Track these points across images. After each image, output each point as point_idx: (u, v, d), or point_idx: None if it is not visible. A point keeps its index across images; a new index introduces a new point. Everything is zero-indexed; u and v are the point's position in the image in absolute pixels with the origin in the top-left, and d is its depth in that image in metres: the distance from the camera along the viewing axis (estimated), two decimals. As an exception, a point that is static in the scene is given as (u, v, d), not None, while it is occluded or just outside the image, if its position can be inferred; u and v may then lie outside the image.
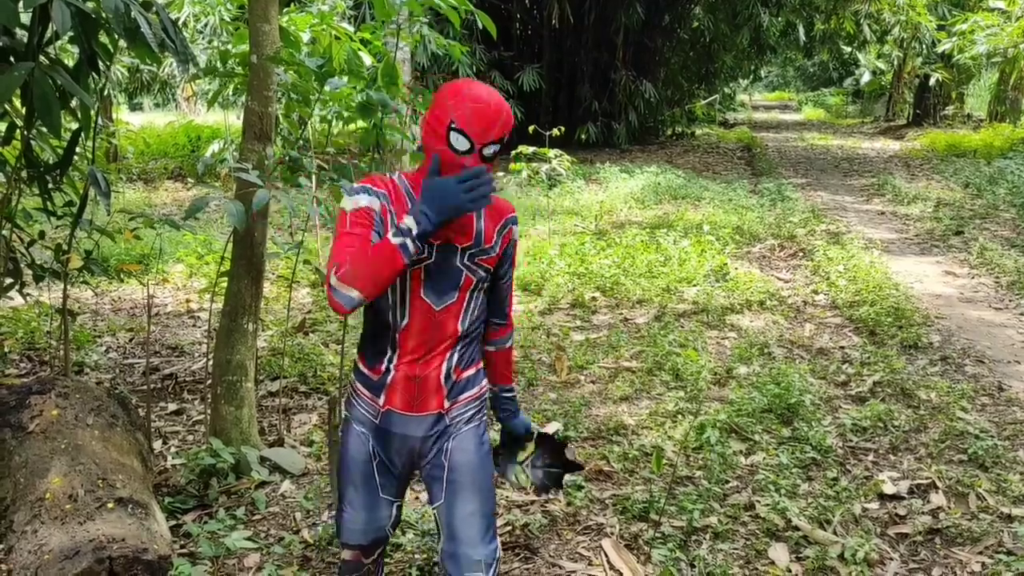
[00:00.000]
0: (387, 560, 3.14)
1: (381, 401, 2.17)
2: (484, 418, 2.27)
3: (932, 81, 21.77)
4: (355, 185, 2.12)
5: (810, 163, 16.81)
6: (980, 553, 3.31)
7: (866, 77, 27.61)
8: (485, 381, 2.29)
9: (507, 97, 15.96)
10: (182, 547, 3.20)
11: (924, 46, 21.77)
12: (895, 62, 24.92)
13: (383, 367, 2.16)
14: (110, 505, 2.65)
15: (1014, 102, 20.00)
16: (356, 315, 2.72)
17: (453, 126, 1.98)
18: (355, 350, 2.29)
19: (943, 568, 3.24)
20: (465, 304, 2.15)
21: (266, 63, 3.59)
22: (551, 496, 3.59)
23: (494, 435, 2.71)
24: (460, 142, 1.98)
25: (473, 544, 2.16)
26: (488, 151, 2.02)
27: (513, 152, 9.10)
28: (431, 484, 2.22)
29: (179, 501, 3.52)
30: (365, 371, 2.20)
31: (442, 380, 2.15)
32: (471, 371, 2.23)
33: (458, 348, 2.17)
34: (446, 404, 2.17)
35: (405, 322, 2.12)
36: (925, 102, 23.14)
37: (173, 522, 3.33)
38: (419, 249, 1.98)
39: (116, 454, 2.95)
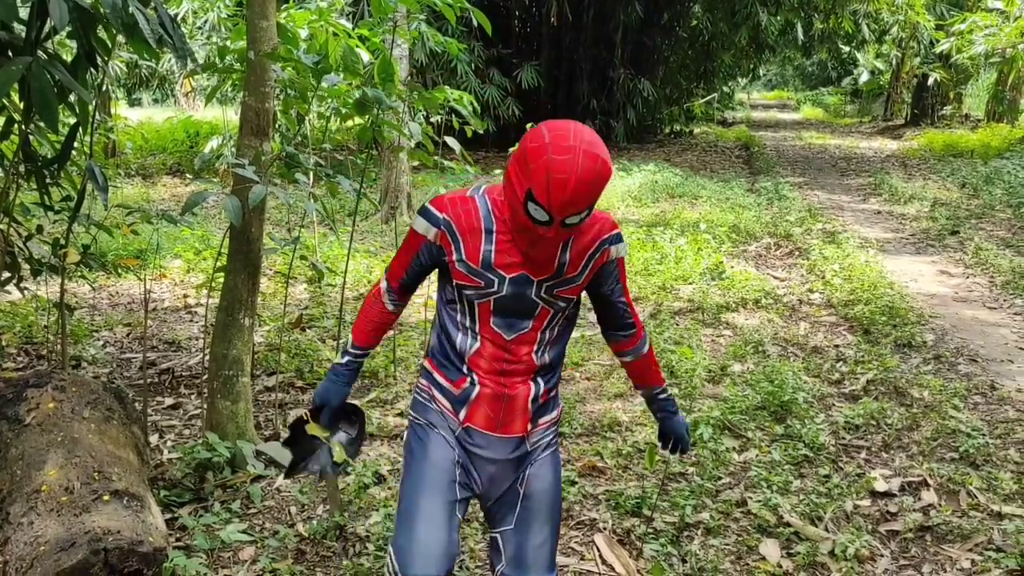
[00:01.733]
0: None
1: (462, 416, 2.03)
2: (558, 442, 2.18)
3: (930, 81, 21.77)
4: (424, 204, 2.01)
5: (808, 162, 16.84)
6: (970, 550, 3.34)
7: (864, 77, 27.61)
8: (561, 403, 2.19)
9: (505, 95, 15.96)
10: (177, 540, 3.22)
11: (922, 46, 21.79)
12: (893, 62, 24.94)
13: (465, 381, 2.03)
14: (106, 497, 2.67)
15: (1012, 102, 20.01)
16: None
17: (531, 196, 1.77)
18: (420, 354, 2.23)
19: (933, 565, 3.27)
20: (540, 334, 2.01)
21: (263, 59, 3.61)
22: None
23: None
24: (539, 213, 1.78)
25: (540, 573, 2.07)
26: (571, 221, 1.80)
27: (510, 149, 9.12)
28: (500, 509, 2.09)
29: (175, 495, 3.54)
30: (443, 382, 2.07)
31: (529, 402, 2.03)
32: (553, 392, 2.11)
33: (541, 374, 2.05)
34: (529, 427, 2.05)
35: (476, 347, 2.01)
36: (923, 102, 23.15)
37: (169, 515, 3.35)
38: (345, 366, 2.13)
39: (112, 447, 2.98)
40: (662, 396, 2.29)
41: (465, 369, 2.02)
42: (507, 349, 1.99)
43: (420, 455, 2.05)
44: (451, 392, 2.04)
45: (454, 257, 1.95)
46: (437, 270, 2.10)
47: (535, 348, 2.01)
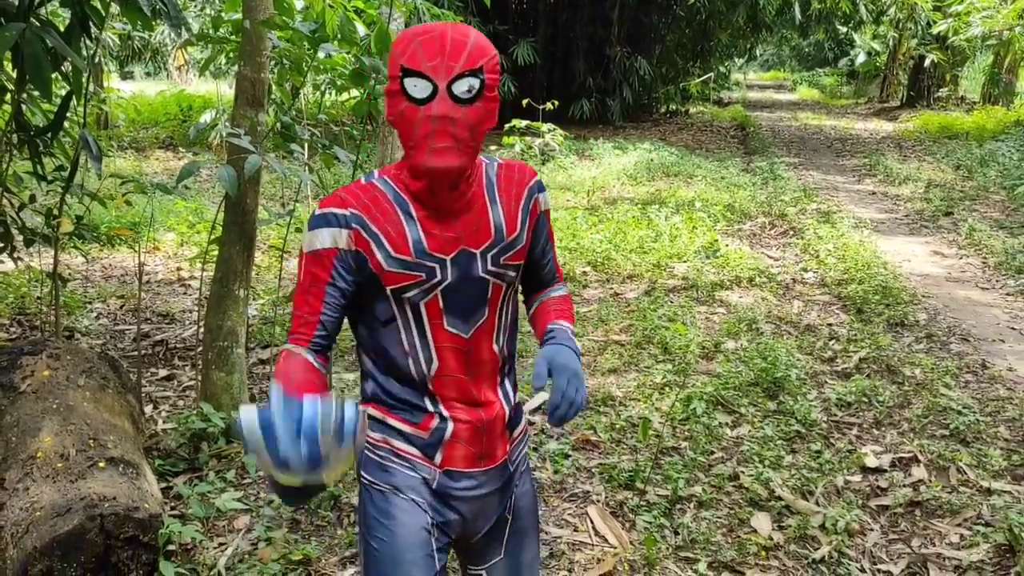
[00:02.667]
0: None
1: (437, 460, 1.67)
2: (527, 454, 1.89)
3: (927, 63, 21.73)
4: (315, 213, 1.59)
5: (803, 143, 16.82)
6: (959, 525, 3.38)
7: (861, 58, 27.52)
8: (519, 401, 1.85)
9: (501, 71, 15.89)
10: (172, 508, 3.23)
11: (919, 27, 21.73)
12: (890, 43, 24.86)
13: (433, 420, 1.66)
14: (101, 464, 2.68)
15: (1008, 85, 20.00)
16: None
17: (405, 69, 1.48)
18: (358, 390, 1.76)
19: (922, 539, 3.30)
20: (497, 319, 1.69)
21: (259, 28, 3.58)
22: None
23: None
24: (418, 87, 1.48)
25: None
26: (460, 88, 1.48)
27: (507, 125, 9.05)
28: (486, 544, 1.79)
29: (169, 464, 3.55)
30: (404, 427, 1.67)
31: (506, 423, 1.73)
32: (517, 394, 1.80)
33: (506, 374, 1.75)
34: (508, 448, 1.75)
35: (435, 367, 1.64)
36: (919, 83, 23.11)
37: (164, 484, 3.36)
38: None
39: (107, 415, 2.98)
40: (559, 326, 1.76)
41: (428, 403, 1.65)
42: (469, 351, 1.66)
43: (387, 535, 1.65)
44: (418, 437, 1.66)
45: (379, 257, 1.57)
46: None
47: (494, 336, 1.69)
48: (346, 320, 1.68)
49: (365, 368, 1.71)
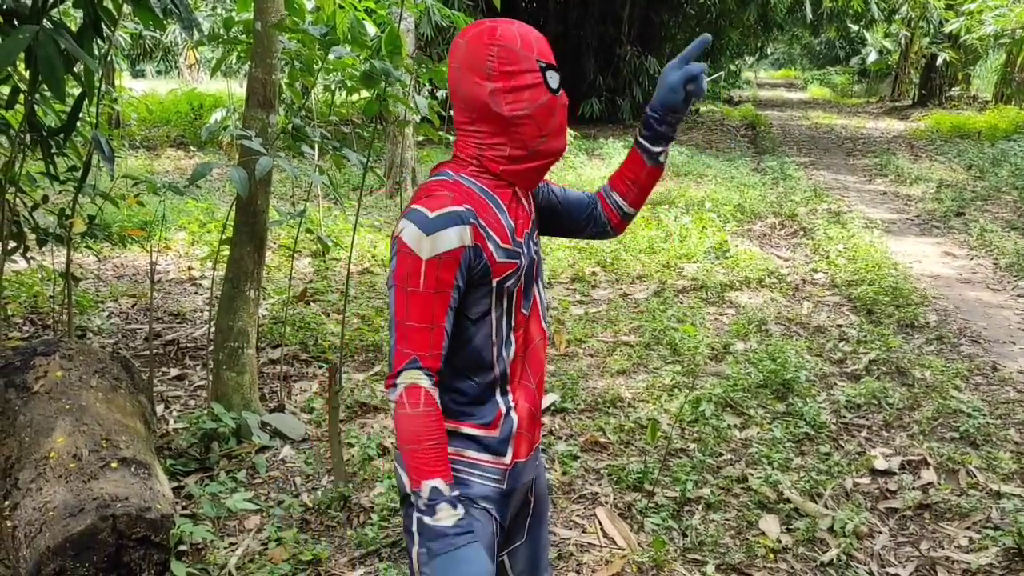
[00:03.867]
0: None
1: (508, 458, 1.67)
2: None
3: (939, 61, 21.63)
4: (429, 215, 1.51)
5: (814, 142, 16.77)
6: (968, 528, 3.37)
7: (872, 56, 27.44)
8: None
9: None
10: (184, 508, 3.25)
11: (931, 26, 21.62)
12: (902, 41, 24.75)
13: (502, 416, 1.66)
14: (113, 465, 2.70)
15: (1021, 84, 19.87)
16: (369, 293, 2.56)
17: (543, 64, 1.58)
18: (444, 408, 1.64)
19: (931, 542, 3.29)
20: (539, 297, 1.75)
21: (271, 30, 3.60)
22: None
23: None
24: (554, 79, 1.60)
25: (546, 567, 1.90)
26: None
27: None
28: (513, 529, 1.82)
29: (181, 464, 3.57)
30: (476, 432, 1.64)
31: (541, 406, 1.76)
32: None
33: (545, 356, 1.79)
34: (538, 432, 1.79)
35: (512, 353, 1.67)
36: (931, 82, 23.00)
37: (175, 484, 3.38)
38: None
39: (119, 415, 3.00)
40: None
41: (499, 397, 1.66)
42: (527, 328, 1.70)
43: (458, 547, 1.48)
44: (490, 439, 1.65)
45: (491, 248, 1.57)
46: None
47: (539, 317, 1.74)
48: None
49: (448, 365, 1.63)
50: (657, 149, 1.80)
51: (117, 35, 11.93)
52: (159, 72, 27.26)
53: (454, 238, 1.51)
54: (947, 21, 18.99)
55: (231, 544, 3.08)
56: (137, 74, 26.71)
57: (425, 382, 1.51)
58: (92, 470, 2.66)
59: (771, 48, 36.26)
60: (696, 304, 6.06)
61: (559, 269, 6.88)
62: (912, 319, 5.77)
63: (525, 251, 1.66)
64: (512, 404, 1.67)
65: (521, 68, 1.56)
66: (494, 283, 1.60)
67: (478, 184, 1.62)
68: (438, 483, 1.46)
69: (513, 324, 1.67)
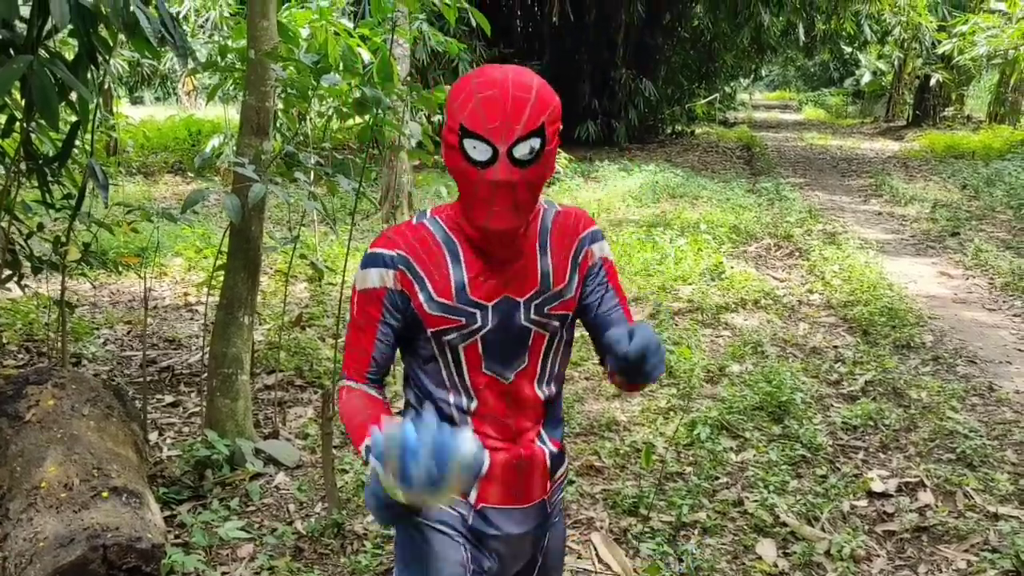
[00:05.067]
0: None
1: (472, 496, 1.66)
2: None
3: (932, 82, 21.80)
4: (366, 253, 1.62)
5: (809, 163, 16.84)
6: (966, 551, 3.35)
7: (866, 77, 27.63)
8: (565, 446, 1.82)
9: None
10: (176, 537, 3.23)
11: (924, 47, 21.80)
12: (896, 63, 24.95)
13: None
14: (105, 494, 2.69)
15: (1014, 104, 20.02)
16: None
17: (464, 130, 1.46)
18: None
19: (929, 565, 3.28)
20: (540, 366, 1.67)
21: (263, 58, 3.62)
22: None
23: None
24: (478, 150, 1.46)
25: None
26: (521, 151, 1.46)
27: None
28: None
29: (174, 492, 3.55)
30: None
31: (548, 459, 1.70)
32: (561, 436, 1.77)
33: (548, 414, 1.72)
34: (549, 487, 1.73)
35: (474, 405, 1.64)
36: (925, 103, 23.16)
37: (168, 512, 3.36)
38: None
39: (111, 444, 2.99)
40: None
41: None
42: (509, 394, 1.64)
43: (423, 562, 1.64)
44: None
45: (421, 299, 1.58)
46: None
47: (536, 380, 1.67)
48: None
49: (408, 399, 1.74)
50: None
51: (115, 63, 12.01)
52: (157, 99, 27.40)
53: (375, 278, 1.59)
54: (940, 42, 19.15)
55: (223, 574, 3.05)
56: (135, 101, 26.84)
57: (355, 387, 1.65)
58: (83, 500, 2.65)
59: (765, 70, 36.52)
60: (692, 326, 6.06)
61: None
62: (908, 340, 5.77)
63: (487, 315, 1.59)
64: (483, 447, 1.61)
65: (449, 124, 1.51)
66: (429, 333, 1.61)
67: (445, 230, 1.61)
68: (368, 441, 1.44)
69: (468, 382, 1.63)
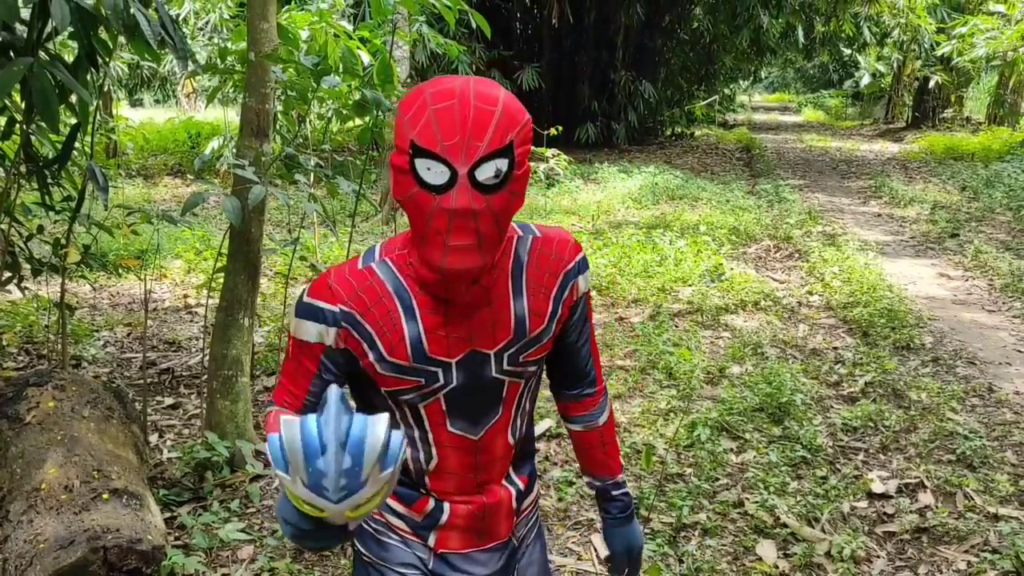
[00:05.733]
0: None
1: (431, 542, 1.53)
2: (540, 516, 1.73)
3: (931, 84, 21.81)
4: (301, 299, 1.40)
5: (808, 165, 16.85)
6: (966, 552, 3.35)
7: (866, 79, 27.65)
8: (535, 473, 1.67)
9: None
10: (176, 539, 3.23)
11: (923, 49, 21.83)
12: (895, 64, 24.97)
13: (427, 503, 1.52)
14: (105, 496, 2.69)
15: (1013, 105, 20.03)
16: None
17: (416, 147, 1.22)
18: None
19: (929, 566, 3.28)
20: (514, 413, 1.51)
21: (263, 61, 3.63)
22: None
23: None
24: (433, 172, 1.22)
25: None
26: (485, 173, 1.22)
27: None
28: None
29: (174, 494, 3.56)
30: (397, 507, 1.54)
31: (513, 502, 1.57)
32: (531, 468, 1.64)
33: (517, 455, 1.58)
34: (513, 524, 1.60)
35: (433, 463, 1.48)
36: (924, 105, 23.17)
37: (168, 514, 3.36)
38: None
39: (111, 446, 2.99)
40: (615, 492, 1.66)
41: (423, 491, 1.52)
42: (477, 450, 1.48)
43: None
44: (411, 519, 1.53)
45: (371, 358, 1.38)
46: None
47: (509, 431, 1.51)
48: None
49: None
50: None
51: (115, 65, 12.02)
52: (157, 101, 27.41)
53: (313, 333, 1.38)
54: (939, 44, 19.17)
55: (223, 575, 3.05)
56: (135, 103, 26.84)
57: (281, 410, 1.45)
58: (83, 501, 2.65)
59: (765, 72, 36.54)
60: (692, 328, 6.07)
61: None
62: (908, 341, 5.77)
63: (451, 372, 1.40)
64: (442, 502, 1.51)
65: (398, 144, 1.27)
66: (384, 392, 1.43)
67: (396, 276, 1.39)
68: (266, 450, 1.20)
69: (431, 441, 1.46)
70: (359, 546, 1.58)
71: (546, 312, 1.43)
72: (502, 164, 1.23)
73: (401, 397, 1.42)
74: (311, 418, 1.13)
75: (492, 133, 1.21)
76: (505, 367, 1.43)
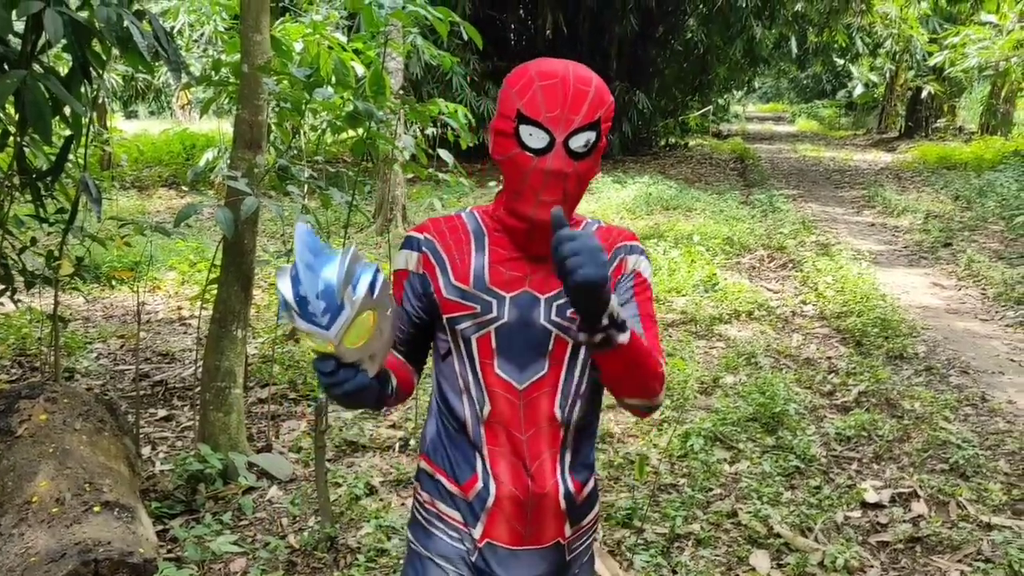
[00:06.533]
0: None
1: (477, 532, 1.57)
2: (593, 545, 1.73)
3: (924, 94, 21.92)
4: (404, 236, 1.62)
5: (802, 174, 16.90)
6: (959, 561, 3.35)
7: (859, 89, 27.76)
8: (596, 493, 1.68)
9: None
10: (169, 551, 3.22)
11: (916, 59, 21.94)
12: (887, 75, 25.09)
13: (477, 481, 1.56)
14: (96, 509, 2.68)
15: (1005, 115, 20.14)
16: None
17: (522, 116, 1.44)
18: (417, 436, 1.69)
19: (923, 575, 3.28)
20: (563, 379, 1.54)
21: (256, 72, 3.64)
22: None
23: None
24: (534, 137, 1.43)
25: None
26: (577, 142, 1.43)
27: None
28: None
29: (167, 506, 3.54)
30: (449, 485, 1.60)
31: (561, 498, 1.56)
32: (591, 482, 1.63)
33: (569, 443, 1.58)
34: (567, 531, 1.59)
35: (487, 409, 1.54)
36: (917, 114, 23.29)
37: (160, 527, 3.35)
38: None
39: (103, 458, 2.98)
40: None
41: (477, 459, 1.56)
42: (521, 403, 1.53)
43: None
44: (460, 499, 1.58)
45: (440, 283, 1.55)
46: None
47: (557, 399, 1.54)
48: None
49: (431, 408, 1.66)
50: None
51: (109, 77, 12.04)
52: (151, 113, 27.43)
53: (401, 260, 1.60)
54: (931, 55, 19.27)
55: (216, 588, 3.04)
56: (130, 115, 26.85)
57: None
58: (75, 514, 2.64)
59: (759, 82, 36.68)
60: (685, 337, 6.07)
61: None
62: (901, 350, 5.79)
63: (503, 305, 1.52)
64: (490, 476, 1.55)
65: (503, 111, 1.47)
66: (444, 319, 1.56)
67: (477, 220, 1.59)
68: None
69: (483, 382, 1.54)
70: (410, 534, 1.68)
71: None
72: (591, 136, 1.45)
73: (458, 327, 1.54)
74: (291, 264, 1.30)
75: (586, 110, 1.43)
76: (553, 316, 1.52)
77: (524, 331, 1.52)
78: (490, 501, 1.55)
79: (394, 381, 1.52)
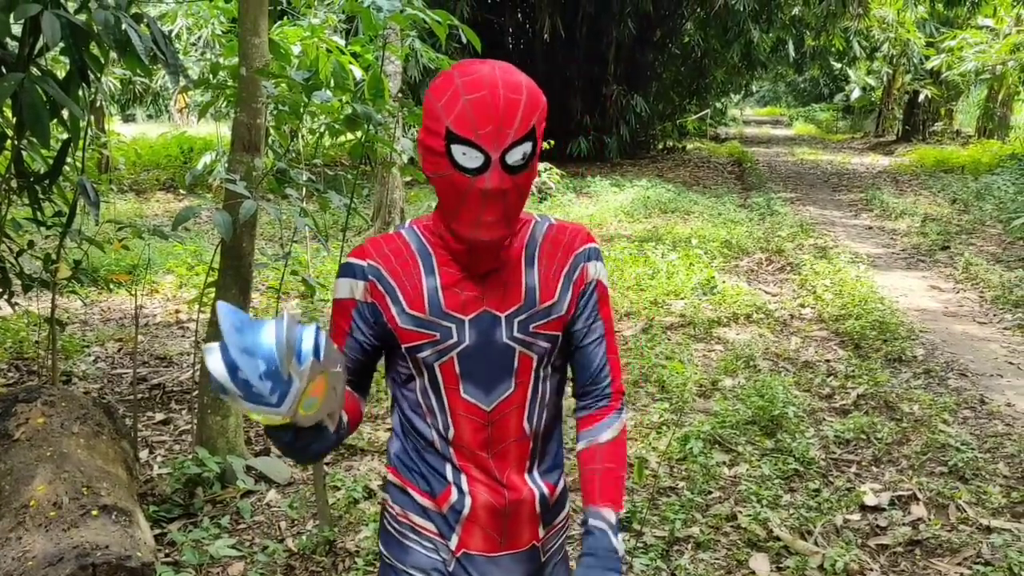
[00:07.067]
0: None
1: (453, 542, 1.54)
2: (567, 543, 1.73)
3: (921, 97, 21.97)
4: (342, 263, 1.54)
5: (800, 178, 16.92)
6: (959, 564, 3.35)
7: (856, 93, 27.83)
8: (566, 492, 1.67)
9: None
10: (166, 555, 3.21)
11: (913, 63, 22.00)
12: (885, 78, 25.14)
13: (451, 493, 1.53)
14: (94, 512, 2.67)
15: (1002, 118, 20.19)
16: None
17: (452, 134, 1.34)
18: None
19: (922, 578, 3.27)
20: (530, 395, 1.52)
21: (254, 76, 3.63)
22: None
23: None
24: (468, 157, 1.35)
25: None
26: (514, 156, 1.36)
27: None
28: None
29: (164, 510, 3.53)
30: (420, 499, 1.56)
31: (537, 503, 1.55)
32: (561, 482, 1.63)
33: (538, 450, 1.57)
34: (541, 533, 1.58)
35: (451, 433, 1.51)
36: (914, 118, 23.33)
37: (158, 531, 3.34)
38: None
39: (101, 462, 2.97)
40: (591, 522, 1.51)
41: (449, 472, 1.53)
42: (491, 425, 1.50)
43: None
44: (434, 512, 1.55)
45: (393, 312, 1.48)
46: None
47: (525, 415, 1.52)
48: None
49: (394, 427, 1.61)
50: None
51: (107, 80, 12.03)
52: (149, 116, 27.42)
53: (345, 290, 1.51)
54: (928, 58, 19.32)
55: (214, 592, 3.04)
56: (127, 118, 26.84)
57: None
58: (72, 518, 2.63)
59: (756, 86, 36.76)
60: (684, 341, 6.07)
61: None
62: (899, 353, 5.79)
63: (464, 329, 1.47)
64: (465, 488, 1.52)
65: (430, 126, 1.38)
66: (404, 349, 1.50)
67: (421, 239, 1.51)
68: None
69: (448, 407, 1.50)
70: (382, 548, 1.62)
71: (556, 288, 1.51)
72: (527, 147, 1.37)
73: (419, 355, 1.49)
74: (220, 343, 1.18)
75: (519, 121, 1.34)
76: (515, 333, 1.48)
77: (487, 352, 1.48)
78: (465, 512, 1.52)
79: (345, 419, 1.47)
